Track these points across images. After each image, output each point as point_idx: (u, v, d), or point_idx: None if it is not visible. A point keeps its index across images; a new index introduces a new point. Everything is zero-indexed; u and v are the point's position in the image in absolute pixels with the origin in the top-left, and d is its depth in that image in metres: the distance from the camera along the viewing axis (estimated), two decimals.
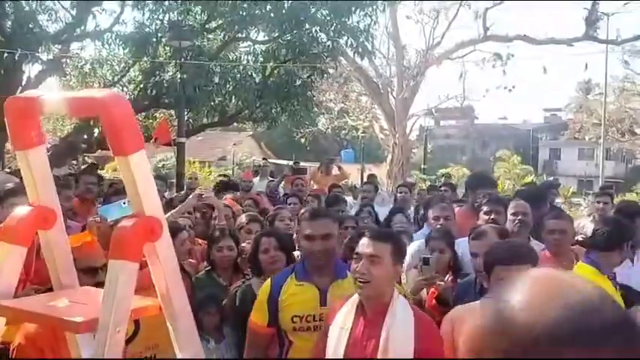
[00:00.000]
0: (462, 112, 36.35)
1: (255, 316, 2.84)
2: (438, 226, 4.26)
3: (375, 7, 12.95)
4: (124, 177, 1.52)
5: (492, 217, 4.06)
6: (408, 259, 3.97)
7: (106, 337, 1.42)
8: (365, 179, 11.92)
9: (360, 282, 2.42)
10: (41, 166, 1.68)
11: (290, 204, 6.14)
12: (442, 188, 7.66)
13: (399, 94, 21.36)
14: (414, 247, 4.02)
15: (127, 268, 1.46)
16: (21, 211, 1.67)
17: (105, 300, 1.44)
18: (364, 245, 2.48)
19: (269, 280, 2.90)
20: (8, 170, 10.22)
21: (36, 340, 2.31)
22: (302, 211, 3.04)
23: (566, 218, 4.02)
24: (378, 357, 2.35)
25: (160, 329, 2.59)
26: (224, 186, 6.78)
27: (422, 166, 24.41)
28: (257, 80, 13.22)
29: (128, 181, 1.51)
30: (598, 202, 5.78)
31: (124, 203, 3.43)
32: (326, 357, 2.49)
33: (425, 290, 3.41)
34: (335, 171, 10.20)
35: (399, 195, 7.10)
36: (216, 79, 12.62)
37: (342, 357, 2.41)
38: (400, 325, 2.39)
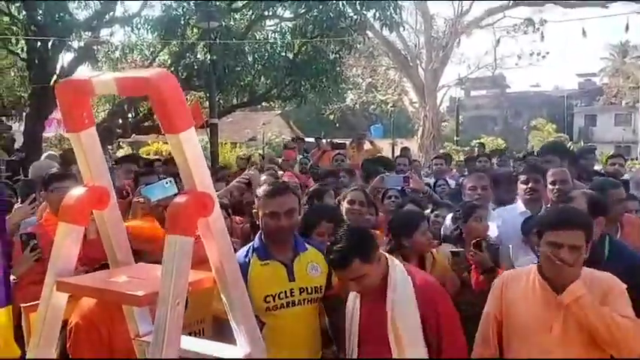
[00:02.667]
0: (492, 82, 35.67)
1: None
2: (476, 196, 4.23)
3: None
4: (175, 154, 1.55)
5: (530, 185, 3.99)
6: (444, 230, 3.97)
7: (167, 310, 1.46)
8: (398, 153, 11.85)
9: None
10: (93, 147, 1.72)
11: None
12: (479, 159, 7.58)
13: (428, 66, 21.08)
14: (448, 221, 3.99)
15: (184, 243, 1.50)
16: (76, 191, 1.72)
17: (164, 274, 1.49)
18: (341, 273, 2.52)
19: None
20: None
21: (93, 320, 2.38)
22: (259, 189, 2.91)
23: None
24: (389, 334, 2.44)
25: (206, 305, 2.68)
26: None
27: (455, 138, 24.08)
28: (285, 58, 13.19)
29: (179, 158, 1.54)
30: (613, 164, 5.89)
31: (167, 183, 3.51)
32: (345, 337, 2.61)
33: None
34: (367, 146, 10.19)
35: (435, 167, 7.05)
36: (245, 59, 12.64)
37: (357, 336, 2.54)
38: (402, 299, 2.46)
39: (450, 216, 3.96)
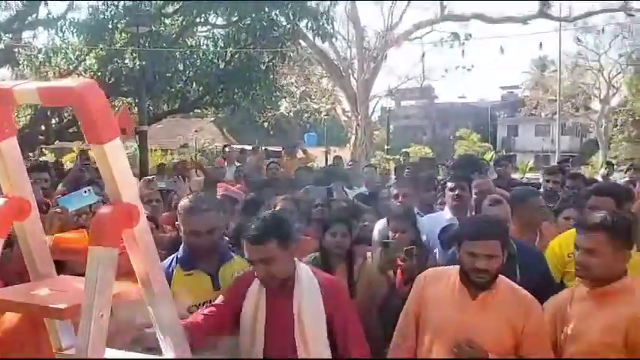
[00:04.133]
0: (421, 93, 36.81)
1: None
2: (398, 203, 4.41)
3: None
4: (100, 165, 1.53)
5: (457, 192, 4.19)
6: (375, 236, 4.09)
7: (90, 322, 1.45)
8: (331, 161, 12.02)
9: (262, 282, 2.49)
10: (14, 157, 1.67)
11: None
12: (407, 169, 7.83)
13: (360, 76, 21.46)
14: (379, 226, 4.12)
15: (107, 254, 1.49)
16: None
17: (87, 286, 1.47)
18: (251, 252, 2.44)
19: None
20: None
21: (16, 334, 2.29)
22: (182, 203, 2.86)
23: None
24: (296, 328, 2.44)
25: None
26: None
27: (385, 147, 24.65)
28: (218, 65, 13.09)
29: (104, 169, 1.53)
30: (547, 181, 5.77)
31: (86, 192, 3.42)
32: (241, 332, 2.54)
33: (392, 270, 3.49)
34: (300, 154, 10.28)
35: (366, 175, 7.23)
36: (176, 65, 12.45)
37: (263, 334, 2.49)
38: (308, 297, 2.49)
39: (381, 222, 4.08)
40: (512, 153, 31.46)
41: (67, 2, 12.62)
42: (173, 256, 2.86)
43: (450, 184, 4.32)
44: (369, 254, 3.61)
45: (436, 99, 43.66)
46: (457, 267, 2.64)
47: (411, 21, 22.44)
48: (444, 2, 20.56)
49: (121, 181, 1.55)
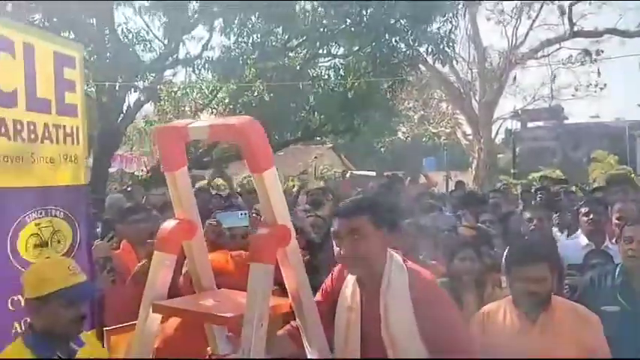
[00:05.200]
0: (550, 113, 34.98)
1: None
2: (532, 227, 4.32)
3: (455, 12, 12.87)
4: (259, 190, 1.75)
5: (591, 217, 4.04)
6: (504, 262, 4.02)
7: (252, 331, 1.64)
8: (453, 186, 11.86)
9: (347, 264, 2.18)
10: (185, 184, 1.95)
11: None
12: (538, 193, 7.55)
13: (482, 98, 20.98)
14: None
15: (266, 270, 1.69)
16: (169, 224, 1.94)
17: (250, 297, 1.67)
18: (339, 226, 2.12)
19: None
20: (115, 190, 11.09)
21: (174, 342, 2.58)
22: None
23: None
24: (382, 328, 2.11)
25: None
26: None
27: (511, 171, 23.69)
28: (341, 94, 13.47)
29: (261, 193, 1.74)
30: None
31: (242, 215, 3.84)
32: (336, 331, 2.18)
33: None
34: (422, 180, 10.27)
35: (491, 200, 7.07)
36: (302, 96, 13.00)
37: (359, 337, 2.15)
38: (395, 295, 2.14)
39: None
40: None
41: (203, 42, 13.74)
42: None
43: (583, 209, 4.18)
44: (503, 279, 3.55)
45: (566, 119, 41.25)
46: (508, 298, 2.64)
47: (537, 39, 21.53)
48: (573, 18, 19.59)
49: (276, 204, 1.76)
